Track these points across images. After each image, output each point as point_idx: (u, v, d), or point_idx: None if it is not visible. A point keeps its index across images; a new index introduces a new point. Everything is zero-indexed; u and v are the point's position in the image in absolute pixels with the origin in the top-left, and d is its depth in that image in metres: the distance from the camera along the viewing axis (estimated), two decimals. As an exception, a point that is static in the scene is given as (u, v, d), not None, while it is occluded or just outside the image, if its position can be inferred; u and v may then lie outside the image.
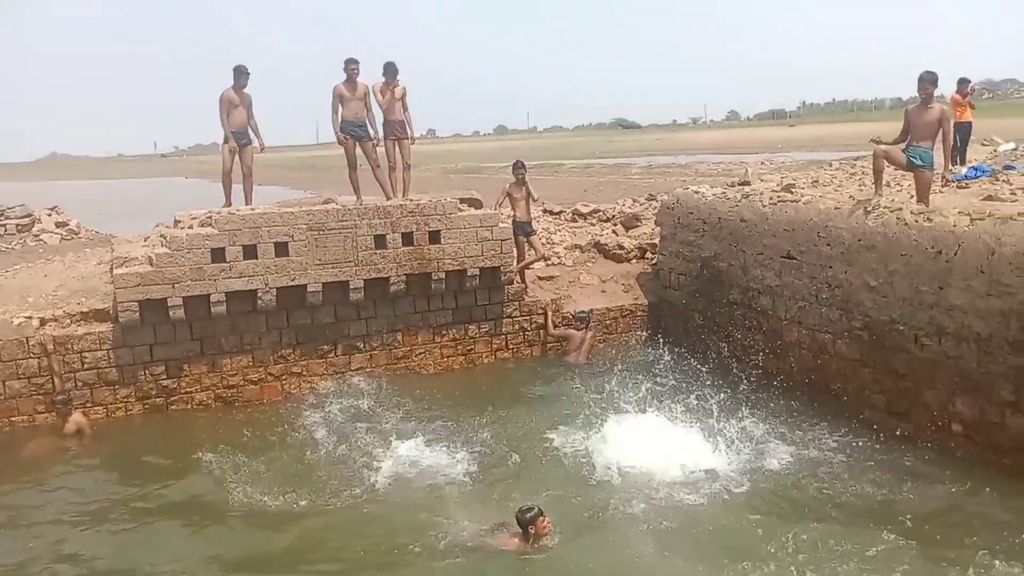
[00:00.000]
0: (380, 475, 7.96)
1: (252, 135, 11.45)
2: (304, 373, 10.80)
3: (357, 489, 7.77)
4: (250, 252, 10.08)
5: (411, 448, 8.38)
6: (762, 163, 32.21)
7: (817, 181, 12.81)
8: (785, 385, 9.82)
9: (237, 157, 11.31)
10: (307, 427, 9.36)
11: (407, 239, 10.83)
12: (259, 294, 10.18)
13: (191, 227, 10.44)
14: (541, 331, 11.93)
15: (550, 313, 11.91)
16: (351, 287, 10.63)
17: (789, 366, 9.85)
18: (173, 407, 10.21)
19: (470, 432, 8.97)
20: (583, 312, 11.82)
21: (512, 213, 12.02)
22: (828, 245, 9.09)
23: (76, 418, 9.53)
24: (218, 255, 9.94)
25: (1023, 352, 6.99)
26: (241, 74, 11.08)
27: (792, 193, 10.54)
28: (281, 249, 10.21)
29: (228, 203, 11.31)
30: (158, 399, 10.16)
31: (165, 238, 10.11)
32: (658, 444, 7.94)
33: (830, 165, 18.09)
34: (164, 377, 10.15)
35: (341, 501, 7.56)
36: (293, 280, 10.30)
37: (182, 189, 52.90)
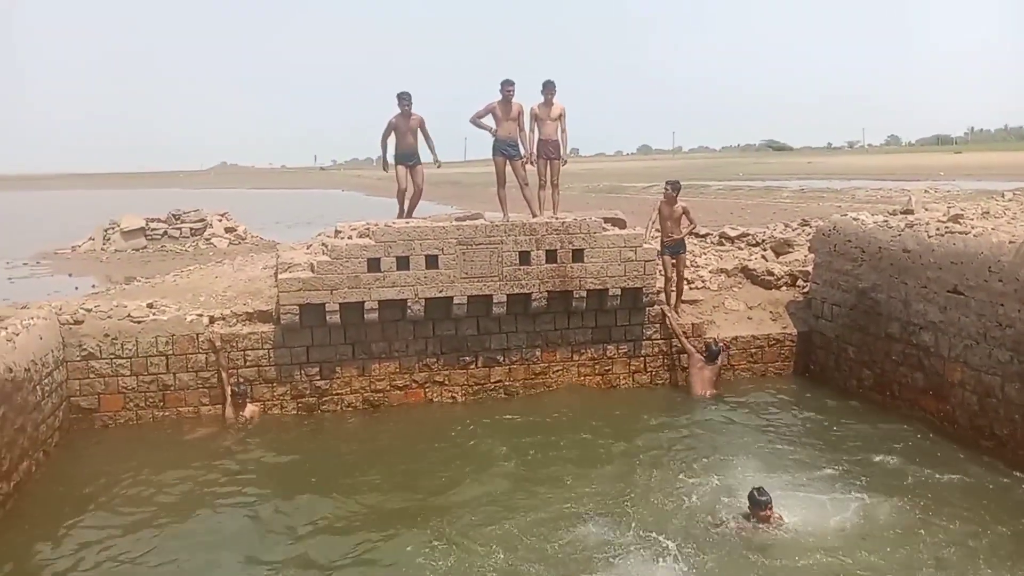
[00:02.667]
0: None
1: (421, 154, 11.81)
2: (446, 382, 11.12)
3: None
4: (403, 263, 10.51)
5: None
6: (926, 191, 30.33)
7: (988, 212, 11.94)
8: (943, 429, 9.22)
9: (409, 176, 11.76)
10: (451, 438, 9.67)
11: (551, 256, 10.96)
12: (409, 303, 10.59)
13: (350, 237, 11.00)
14: (682, 355, 11.69)
15: (672, 317, 11.63)
16: (495, 301, 10.86)
17: (951, 408, 9.24)
18: (324, 407, 10.76)
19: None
20: (716, 346, 11.47)
21: (660, 232, 11.93)
22: (1000, 281, 8.48)
23: (252, 408, 10.28)
24: (373, 265, 10.42)
25: None
26: (402, 100, 11.54)
27: (961, 224, 9.90)
28: (431, 261, 10.58)
29: (401, 214, 11.85)
30: (311, 399, 10.75)
31: (326, 247, 10.70)
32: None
33: (1002, 195, 16.78)
34: (318, 378, 10.73)
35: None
36: (441, 292, 10.65)
37: (338, 200, 55.77)
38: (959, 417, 9.13)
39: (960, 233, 9.38)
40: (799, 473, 8.44)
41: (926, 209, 12.53)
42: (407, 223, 11.10)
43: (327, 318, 10.40)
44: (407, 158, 11.60)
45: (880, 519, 7.31)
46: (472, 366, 11.22)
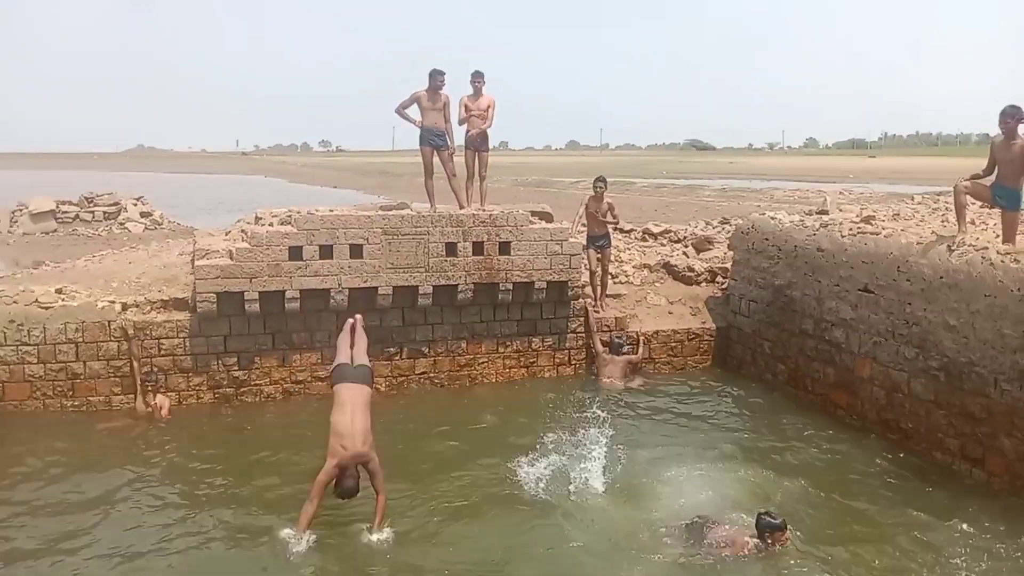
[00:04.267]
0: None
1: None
2: (369, 374, 10.99)
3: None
4: (326, 252, 10.32)
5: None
6: (841, 193, 31.52)
7: (898, 214, 12.48)
8: (853, 423, 9.60)
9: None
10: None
11: (477, 248, 10.94)
12: (332, 293, 10.42)
13: (271, 224, 10.75)
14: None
15: (591, 312, 11.78)
16: (420, 292, 10.78)
17: (860, 402, 9.61)
18: (242, 398, 10.50)
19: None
20: (617, 338, 11.62)
21: (588, 226, 12.05)
22: (908, 281, 8.85)
23: (162, 399, 9.92)
24: (295, 253, 10.21)
25: (1113, 405, 6.68)
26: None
27: (872, 225, 10.30)
28: (356, 251, 10.43)
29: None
30: (228, 389, 10.46)
31: (246, 233, 10.43)
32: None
33: (912, 199, 17.55)
34: (236, 368, 10.46)
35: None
36: (365, 282, 10.50)
37: (260, 187, 54.52)
38: (868, 411, 9.50)
39: (871, 234, 9.75)
40: (702, 458, 8.74)
41: (840, 210, 12.99)
42: (330, 211, 10.91)
43: (246, 307, 10.14)
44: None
45: (777, 498, 7.68)
46: (397, 357, 11.11)
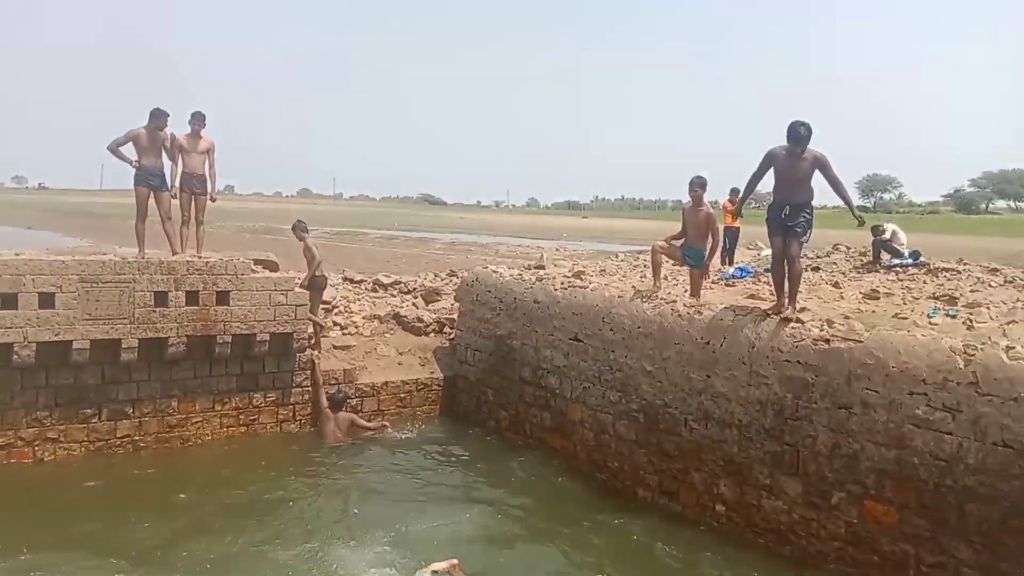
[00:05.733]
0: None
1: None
2: (61, 439, 9.76)
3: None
4: (10, 301, 9.10)
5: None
6: (557, 249, 33.87)
7: (604, 270, 13.64)
8: (568, 464, 10.18)
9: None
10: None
11: (192, 298, 10.22)
12: (15, 348, 9.16)
13: (-63, 269, 9.26)
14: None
15: (318, 366, 11.51)
16: (123, 346, 9.81)
17: (573, 444, 10.22)
18: None
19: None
20: (338, 393, 11.45)
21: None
22: (611, 330, 9.64)
23: None
24: (-31, 302, 8.87)
25: (777, 439, 7.70)
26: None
27: (582, 279, 11.13)
28: (47, 300, 9.29)
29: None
30: None
31: (-98, 279, 8.89)
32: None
33: (616, 256, 19.31)
34: None
35: None
36: (57, 335, 9.37)
37: (-68, 225, 46.97)
38: (579, 452, 10.13)
39: (580, 287, 10.53)
40: (427, 499, 9.01)
41: (555, 265, 13.94)
42: (15, 255, 9.65)
43: (-100, 366, 8.59)
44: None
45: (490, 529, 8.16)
46: (94, 419, 9.99)
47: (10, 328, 9.12)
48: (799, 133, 7.51)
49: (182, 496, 8.90)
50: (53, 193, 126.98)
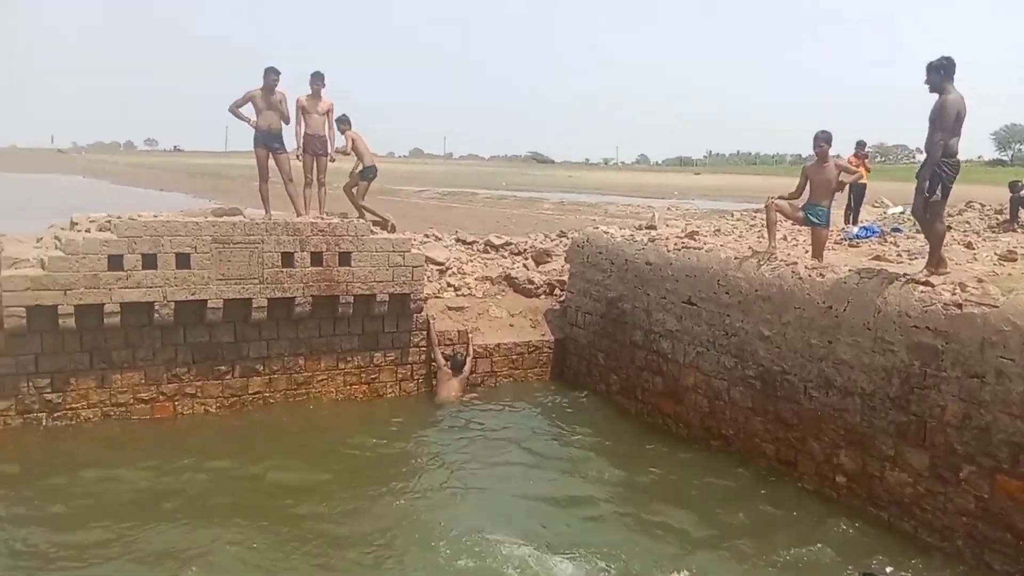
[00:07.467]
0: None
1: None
2: (198, 395, 10.42)
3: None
4: (150, 262, 9.71)
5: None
6: (668, 208, 33.25)
7: (719, 230, 13.34)
8: (680, 431, 10.11)
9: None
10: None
11: (316, 259, 10.63)
12: (156, 307, 9.80)
13: (88, 230, 10.00)
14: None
15: (433, 327, 11.76)
16: (254, 305, 10.34)
17: (686, 410, 10.15)
18: (56, 423, 9.65)
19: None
20: (458, 355, 11.66)
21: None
22: (727, 294, 9.45)
23: None
24: (115, 262, 9.54)
25: (903, 408, 7.41)
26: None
27: (695, 240, 10.93)
28: (183, 260, 9.87)
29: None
30: (40, 413, 9.61)
31: (60, 240, 9.64)
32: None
33: (732, 215, 18.83)
34: (49, 390, 9.61)
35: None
36: (193, 294, 9.96)
37: (78, 188, 50.54)
38: (692, 419, 10.05)
39: (695, 249, 10.34)
40: (541, 468, 9.08)
41: (667, 225, 13.74)
42: (154, 216, 10.27)
43: (60, 322, 9.35)
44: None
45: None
46: (228, 376, 10.59)
47: (151, 287, 9.75)
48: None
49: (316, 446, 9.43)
50: (186, 155, 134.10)
